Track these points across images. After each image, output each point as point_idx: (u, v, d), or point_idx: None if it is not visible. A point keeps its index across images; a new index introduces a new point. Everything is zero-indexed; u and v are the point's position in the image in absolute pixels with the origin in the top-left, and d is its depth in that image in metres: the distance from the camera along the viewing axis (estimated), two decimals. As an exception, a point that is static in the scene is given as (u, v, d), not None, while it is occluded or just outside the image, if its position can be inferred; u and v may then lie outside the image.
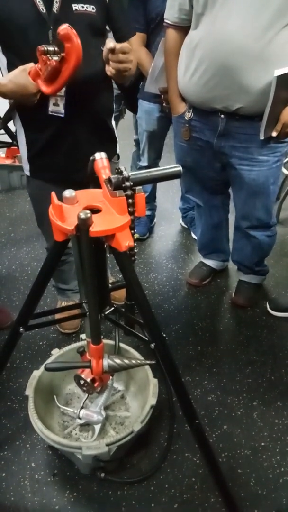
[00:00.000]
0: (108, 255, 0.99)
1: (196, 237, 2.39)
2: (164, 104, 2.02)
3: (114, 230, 0.86)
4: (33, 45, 1.08)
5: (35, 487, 1.34)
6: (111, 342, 1.46)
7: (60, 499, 1.31)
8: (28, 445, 1.46)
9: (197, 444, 1.17)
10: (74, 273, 1.77)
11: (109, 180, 0.90)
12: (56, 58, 1.06)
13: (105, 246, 0.96)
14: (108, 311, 1.16)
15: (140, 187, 0.91)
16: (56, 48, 1.05)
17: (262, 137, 1.53)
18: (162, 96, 1.98)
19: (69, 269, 1.82)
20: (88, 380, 1.14)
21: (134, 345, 1.51)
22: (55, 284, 1.94)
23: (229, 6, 1.34)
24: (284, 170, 2.55)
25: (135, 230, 0.95)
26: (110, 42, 1.11)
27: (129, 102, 2.24)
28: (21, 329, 1.09)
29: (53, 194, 0.88)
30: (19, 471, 1.39)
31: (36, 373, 1.38)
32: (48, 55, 1.06)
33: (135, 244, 0.92)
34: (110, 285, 1.14)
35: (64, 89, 1.23)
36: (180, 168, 0.94)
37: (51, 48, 1.05)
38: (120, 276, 0.97)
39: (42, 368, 1.36)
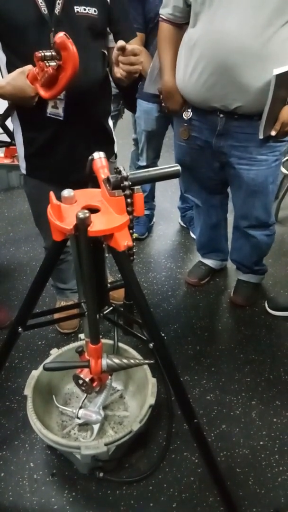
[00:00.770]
0: (106, 255, 0.99)
1: (195, 237, 2.39)
2: (162, 104, 2.02)
3: (112, 229, 0.86)
4: (33, 46, 1.08)
5: (34, 486, 1.34)
6: (110, 341, 1.46)
7: (59, 498, 1.31)
8: (26, 445, 1.46)
9: (196, 443, 1.17)
10: (73, 272, 1.77)
11: (107, 179, 0.90)
12: (53, 63, 1.05)
13: (103, 245, 0.96)
14: (107, 310, 1.16)
15: (139, 186, 0.91)
16: (54, 53, 1.04)
17: (261, 136, 1.53)
18: (161, 96, 1.97)
19: (68, 268, 1.82)
20: (87, 379, 1.14)
21: (133, 344, 1.51)
22: (54, 284, 1.94)
23: (227, 4, 1.34)
24: (283, 170, 2.55)
25: (134, 230, 0.95)
26: (121, 41, 1.08)
27: (127, 102, 2.24)
28: (20, 329, 1.09)
29: (51, 193, 0.88)
30: (17, 470, 1.39)
31: (35, 373, 1.38)
32: (45, 61, 1.05)
33: (134, 243, 0.92)
34: (108, 285, 1.14)
35: (64, 92, 1.23)
36: (179, 167, 0.94)
37: (48, 54, 1.04)
38: (119, 275, 0.97)
39: (40, 368, 1.37)
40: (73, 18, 1.21)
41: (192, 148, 1.73)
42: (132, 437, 1.25)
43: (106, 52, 1.37)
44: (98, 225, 0.85)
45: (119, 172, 0.89)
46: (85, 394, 1.31)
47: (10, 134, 2.46)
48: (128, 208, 0.90)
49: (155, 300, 2.12)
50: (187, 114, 1.66)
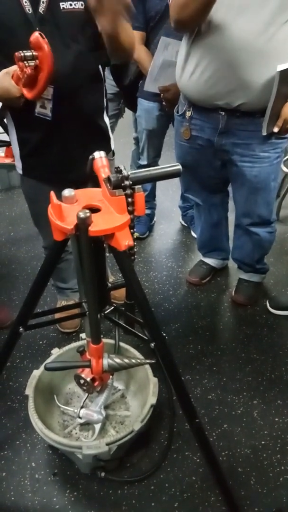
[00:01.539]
0: (107, 254, 0.99)
1: (196, 236, 2.39)
2: (163, 103, 2.02)
3: (113, 229, 0.86)
4: (20, 47, 1.07)
5: (36, 486, 1.34)
6: (111, 341, 1.46)
7: (61, 498, 1.31)
8: (28, 445, 1.46)
9: (197, 443, 1.17)
10: (73, 272, 1.77)
11: (108, 179, 0.89)
12: (32, 63, 1.05)
13: (104, 245, 0.96)
14: (108, 310, 1.16)
15: (140, 186, 0.91)
16: (34, 53, 1.04)
17: (264, 133, 1.52)
18: (162, 94, 1.97)
19: (67, 267, 1.82)
20: (88, 379, 1.14)
21: (134, 344, 1.51)
22: (54, 283, 1.94)
23: (230, 2, 1.32)
24: (284, 168, 2.55)
25: (135, 229, 0.95)
26: None
27: (128, 101, 2.24)
28: (21, 329, 1.09)
29: (52, 193, 0.88)
30: (19, 470, 1.39)
31: (36, 373, 1.38)
32: (25, 62, 1.05)
33: (135, 243, 0.91)
34: (109, 284, 1.14)
35: (51, 91, 1.22)
36: (179, 166, 0.93)
37: (28, 54, 1.04)
38: (120, 275, 0.97)
39: (42, 367, 1.36)
40: (59, 15, 1.19)
41: (193, 147, 1.72)
42: (134, 437, 1.25)
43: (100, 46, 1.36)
44: (99, 224, 0.85)
45: (120, 172, 0.88)
46: (87, 394, 1.31)
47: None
48: (129, 208, 0.90)
49: (156, 299, 2.12)
50: (188, 114, 1.65)
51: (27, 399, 1.32)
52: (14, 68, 1.15)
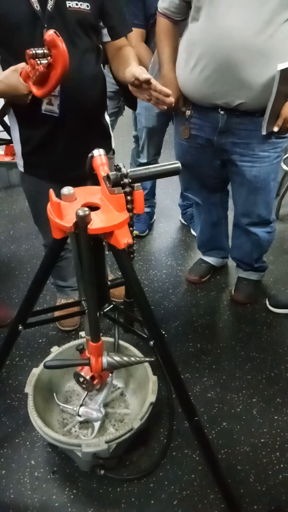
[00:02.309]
0: (107, 252, 0.99)
1: (195, 234, 2.39)
2: None
3: (112, 227, 0.86)
4: (26, 43, 1.07)
5: (35, 484, 1.35)
6: (111, 339, 1.46)
7: (60, 496, 1.32)
8: (27, 443, 1.46)
9: (197, 441, 1.17)
10: (73, 270, 1.77)
11: (107, 177, 0.89)
12: (44, 61, 1.05)
13: (103, 243, 0.95)
14: (107, 308, 1.16)
15: (139, 184, 0.91)
16: (46, 51, 1.04)
17: (264, 132, 1.52)
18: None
19: (67, 265, 1.82)
20: (88, 377, 1.14)
21: (133, 342, 1.51)
22: (54, 281, 1.94)
23: (229, 0, 1.32)
24: (284, 166, 2.55)
25: (134, 227, 0.95)
26: (144, 74, 1.12)
27: (128, 99, 2.22)
28: (20, 327, 1.09)
29: (51, 191, 0.88)
30: (18, 468, 1.39)
31: (36, 371, 1.38)
32: (36, 59, 1.05)
33: (134, 241, 0.91)
34: (109, 283, 1.14)
35: (58, 88, 1.22)
36: (179, 164, 0.93)
37: (40, 51, 1.04)
38: (119, 273, 0.97)
39: (41, 365, 1.36)
40: (65, 13, 1.20)
41: (192, 146, 1.72)
42: (133, 435, 1.25)
43: (101, 46, 1.36)
44: (98, 222, 0.85)
45: (119, 169, 0.88)
46: (86, 392, 1.31)
47: (10, 131, 2.45)
48: (128, 206, 0.90)
49: (156, 297, 2.12)
50: (188, 113, 1.64)
51: (26, 397, 1.32)
52: (22, 65, 1.15)
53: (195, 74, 1.49)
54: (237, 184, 1.77)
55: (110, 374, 1.30)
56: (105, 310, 1.15)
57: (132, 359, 1.12)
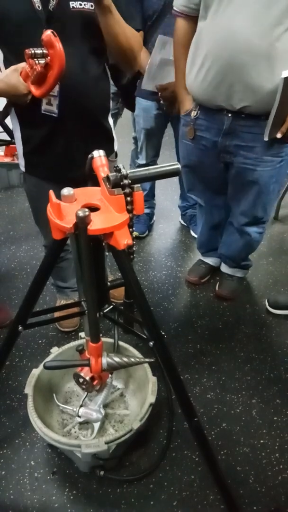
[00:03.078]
0: (106, 253, 0.99)
1: (195, 235, 2.39)
2: (161, 102, 2.02)
3: (112, 228, 0.86)
4: (27, 43, 1.07)
5: (35, 485, 1.35)
6: (110, 340, 1.46)
7: (60, 497, 1.32)
8: (27, 443, 1.46)
9: (196, 441, 1.17)
10: (73, 271, 1.77)
11: (107, 178, 0.89)
12: (42, 61, 1.05)
13: (103, 244, 0.96)
14: (107, 309, 1.16)
15: (139, 185, 0.91)
16: (44, 51, 1.04)
17: (266, 138, 1.50)
18: (159, 93, 1.97)
19: (68, 266, 1.82)
20: (87, 378, 1.14)
21: (133, 343, 1.51)
22: (54, 282, 1.94)
23: (237, 1, 1.31)
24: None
25: (134, 228, 0.95)
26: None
27: (126, 100, 2.24)
28: (20, 328, 1.09)
29: (51, 192, 0.88)
30: (18, 469, 1.39)
31: (35, 372, 1.38)
32: (35, 59, 1.05)
33: (134, 242, 0.91)
34: (109, 283, 1.14)
35: (57, 88, 1.23)
36: (179, 166, 0.93)
37: (39, 51, 1.04)
38: (119, 274, 0.97)
39: (41, 366, 1.37)
40: (68, 14, 1.19)
41: (197, 148, 1.71)
42: (133, 436, 1.25)
43: (105, 47, 1.36)
44: (98, 223, 0.85)
45: (119, 171, 0.88)
46: (86, 393, 1.31)
47: (10, 132, 2.45)
48: (128, 207, 0.90)
49: (155, 298, 2.12)
50: (194, 113, 1.64)
51: (26, 398, 1.32)
52: (22, 65, 1.15)
53: (201, 75, 1.48)
54: (238, 185, 1.76)
55: (110, 375, 1.30)
56: (105, 311, 1.15)
57: (132, 360, 1.12)
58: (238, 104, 1.46)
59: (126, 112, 2.45)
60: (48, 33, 1.01)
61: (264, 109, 1.45)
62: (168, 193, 3.04)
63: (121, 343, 1.47)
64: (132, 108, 2.24)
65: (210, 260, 2.25)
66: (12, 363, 1.73)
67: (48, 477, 1.37)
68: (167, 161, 1.00)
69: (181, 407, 1.13)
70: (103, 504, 1.30)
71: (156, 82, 1.94)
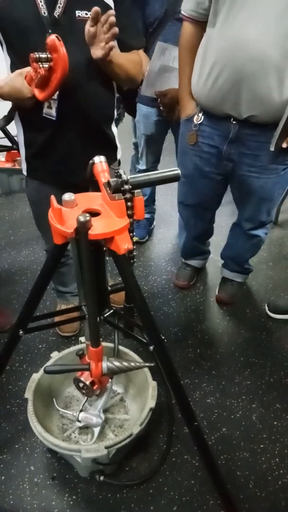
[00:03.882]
0: (107, 258, 1.00)
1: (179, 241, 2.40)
2: (160, 108, 2.03)
3: (113, 233, 0.87)
4: (32, 48, 1.09)
5: (34, 490, 1.34)
6: (110, 344, 1.46)
7: (59, 502, 1.31)
8: (27, 448, 1.46)
9: (196, 446, 1.17)
10: (74, 276, 1.78)
11: (108, 183, 0.90)
12: (46, 65, 1.07)
13: (104, 249, 0.96)
14: (107, 313, 1.16)
15: (139, 190, 0.92)
16: (49, 55, 1.07)
17: (272, 149, 1.49)
18: (159, 100, 1.99)
19: (69, 271, 1.83)
20: (87, 382, 1.14)
21: (133, 347, 1.51)
22: (55, 287, 1.94)
23: (250, 7, 1.27)
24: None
25: (134, 233, 0.96)
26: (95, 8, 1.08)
27: (127, 106, 2.25)
28: (21, 332, 1.09)
29: (52, 197, 0.89)
30: (18, 474, 1.39)
31: (36, 376, 1.38)
32: (39, 63, 1.07)
33: (134, 247, 0.92)
34: (109, 288, 1.15)
35: (57, 92, 1.24)
36: (179, 171, 0.94)
37: (43, 56, 1.07)
38: (119, 278, 0.98)
39: (41, 371, 1.37)
40: (73, 22, 1.21)
41: (197, 155, 1.69)
42: (133, 440, 1.25)
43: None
44: (98, 228, 0.86)
45: (120, 176, 0.89)
46: (86, 397, 1.31)
47: (11, 138, 2.47)
48: (128, 212, 0.91)
49: (156, 303, 2.12)
50: (198, 119, 1.61)
51: (26, 403, 1.32)
52: (27, 69, 1.17)
53: (209, 83, 1.45)
54: (242, 194, 1.75)
55: (110, 380, 1.30)
56: (105, 315, 1.16)
57: (132, 364, 1.13)
58: (245, 113, 1.44)
59: (126, 118, 2.47)
60: (52, 38, 1.04)
61: (271, 119, 1.43)
62: (168, 198, 3.05)
63: (121, 347, 1.48)
64: (133, 114, 2.25)
65: (194, 262, 2.27)
66: (12, 367, 1.73)
67: (48, 482, 1.36)
68: (168, 166, 1.01)
69: (181, 411, 1.13)
70: (102, 509, 1.30)
71: (155, 88, 1.96)
